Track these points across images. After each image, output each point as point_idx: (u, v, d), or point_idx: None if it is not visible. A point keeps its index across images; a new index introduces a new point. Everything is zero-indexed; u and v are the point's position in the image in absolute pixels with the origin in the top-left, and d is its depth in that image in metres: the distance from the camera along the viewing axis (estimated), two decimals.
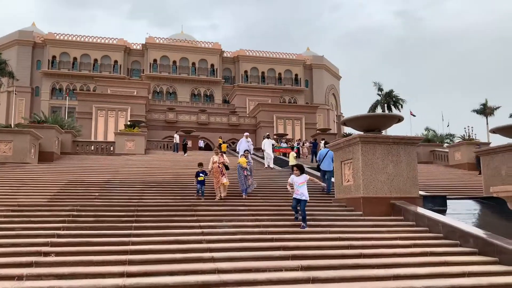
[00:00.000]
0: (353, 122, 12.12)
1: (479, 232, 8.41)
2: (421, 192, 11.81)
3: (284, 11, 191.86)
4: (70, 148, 26.99)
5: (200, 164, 13.09)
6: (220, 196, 12.52)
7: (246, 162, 13.09)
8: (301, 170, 9.73)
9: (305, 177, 9.54)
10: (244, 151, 13.96)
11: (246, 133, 21.21)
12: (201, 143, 40.12)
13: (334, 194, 13.61)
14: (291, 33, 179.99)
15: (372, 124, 11.81)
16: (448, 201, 12.07)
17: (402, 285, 6.39)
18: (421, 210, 10.18)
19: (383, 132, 12.58)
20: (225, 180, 12.51)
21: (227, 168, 12.95)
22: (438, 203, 11.61)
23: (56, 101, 64.09)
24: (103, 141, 33.01)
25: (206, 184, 12.81)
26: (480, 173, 24.00)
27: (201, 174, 12.67)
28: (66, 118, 39.25)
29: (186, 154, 30.00)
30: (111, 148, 28.65)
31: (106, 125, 45.15)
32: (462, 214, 10.92)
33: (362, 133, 11.73)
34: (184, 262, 7.00)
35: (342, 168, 12.03)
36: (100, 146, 29.10)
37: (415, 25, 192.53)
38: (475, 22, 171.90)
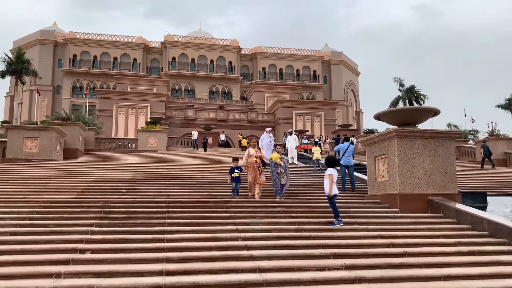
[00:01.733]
0: (387, 116, 11.68)
1: None
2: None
3: (300, 7, 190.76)
4: (93, 145, 27.16)
5: (235, 159, 11.96)
6: (253, 196, 11.48)
7: (280, 158, 11.85)
8: (326, 164, 9.56)
9: (327, 171, 9.20)
10: (276, 146, 13.38)
11: (268, 129, 20.91)
12: (222, 137, 39.60)
13: (359, 190, 13.24)
14: (308, 30, 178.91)
15: (407, 118, 11.36)
16: (487, 197, 11.53)
17: (456, 286, 6.02)
18: (462, 206, 9.72)
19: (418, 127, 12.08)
20: (263, 178, 11.29)
21: (264, 164, 11.77)
22: (478, 199, 11.08)
23: (77, 99, 64.97)
24: (126, 138, 33.19)
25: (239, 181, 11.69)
26: (482, 167, 23.81)
27: (236, 170, 11.49)
28: (87, 116, 39.70)
29: (206, 152, 29.84)
30: (134, 145, 28.74)
31: (126, 122, 45.54)
32: (505, 211, 10.40)
33: (397, 127, 11.28)
34: (222, 260, 6.75)
35: (376, 163, 11.61)
36: (123, 143, 29.22)
37: (433, 20, 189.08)
38: (496, 17, 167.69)
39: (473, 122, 51.08)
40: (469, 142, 36.40)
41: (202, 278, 5.89)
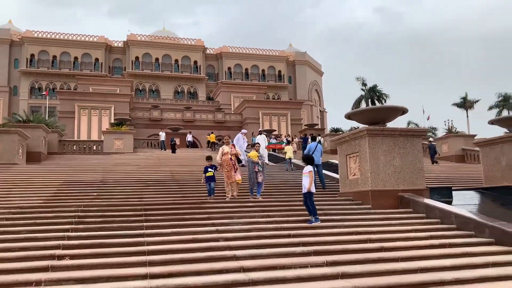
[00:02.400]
0: (358, 115, 12.03)
1: (495, 222, 8.41)
2: None
3: (266, 7, 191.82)
4: (57, 147, 26.24)
5: (209, 158, 11.73)
6: (232, 195, 11.38)
7: (258, 156, 11.72)
8: (304, 161, 9.72)
9: (307, 168, 9.35)
10: (255, 144, 13.32)
11: (244, 131, 20.92)
12: (190, 138, 39.09)
13: (329, 188, 13.56)
14: (273, 30, 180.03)
15: (377, 117, 11.74)
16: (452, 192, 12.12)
17: (432, 278, 6.31)
18: (432, 201, 10.17)
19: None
20: (238, 177, 11.21)
21: (239, 161, 11.62)
22: (445, 194, 11.64)
23: (36, 101, 62.23)
24: (91, 140, 32.26)
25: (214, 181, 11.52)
26: (433, 163, 25.20)
27: (210, 169, 11.28)
28: (47, 117, 38.17)
29: (175, 153, 29.50)
30: (99, 147, 28.00)
31: (89, 124, 44.16)
32: (470, 205, 10.97)
33: (367, 126, 11.64)
34: (206, 261, 6.76)
35: (348, 162, 11.93)
36: (88, 145, 28.41)
37: (394, 21, 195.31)
38: (454, 19, 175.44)
39: (428, 119, 53.16)
40: (429, 140, 37.93)
41: (188, 280, 5.88)
